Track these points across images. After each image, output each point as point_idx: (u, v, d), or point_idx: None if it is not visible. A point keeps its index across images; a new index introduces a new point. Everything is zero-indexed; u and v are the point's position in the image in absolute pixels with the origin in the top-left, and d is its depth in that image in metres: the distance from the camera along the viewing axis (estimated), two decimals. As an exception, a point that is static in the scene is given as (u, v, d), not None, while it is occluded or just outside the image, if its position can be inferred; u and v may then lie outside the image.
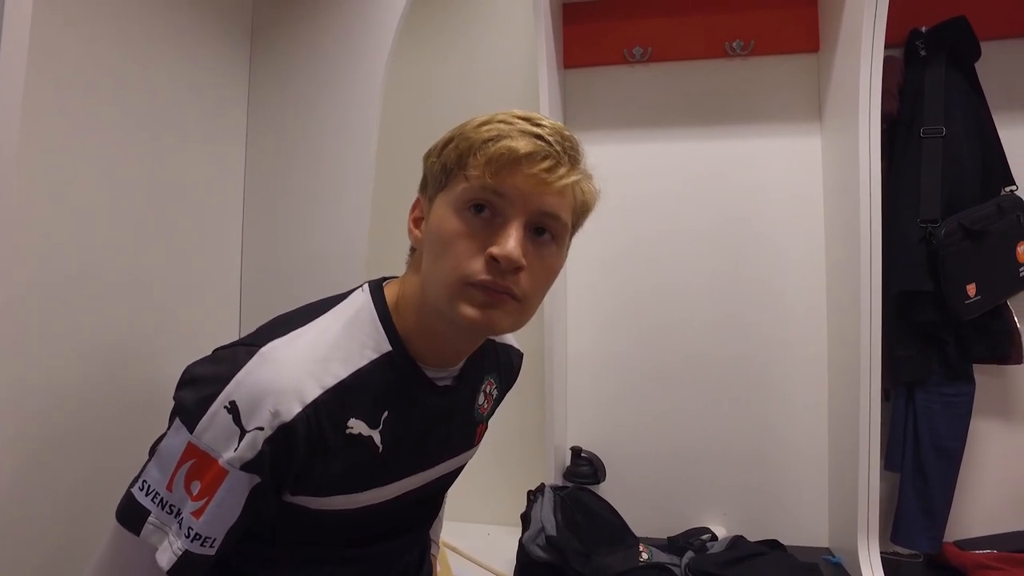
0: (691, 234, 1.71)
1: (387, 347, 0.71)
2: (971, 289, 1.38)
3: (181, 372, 0.67)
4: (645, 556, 1.34)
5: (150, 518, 0.64)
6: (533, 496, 1.42)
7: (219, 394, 0.62)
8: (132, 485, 0.67)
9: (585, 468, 1.63)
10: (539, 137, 0.64)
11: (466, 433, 0.86)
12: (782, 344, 1.65)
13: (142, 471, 0.67)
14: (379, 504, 0.75)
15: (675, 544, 1.49)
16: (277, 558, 0.76)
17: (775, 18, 1.66)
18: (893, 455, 1.49)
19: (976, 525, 1.50)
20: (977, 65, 1.48)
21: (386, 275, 0.80)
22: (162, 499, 0.64)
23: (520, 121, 0.66)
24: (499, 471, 1.73)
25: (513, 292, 0.65)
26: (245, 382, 0.63)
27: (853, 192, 1.39)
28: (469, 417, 0.85)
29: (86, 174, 1.08)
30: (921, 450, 1.45)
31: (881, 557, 1.36)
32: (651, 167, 1.74)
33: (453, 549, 1.54)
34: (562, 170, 0.65)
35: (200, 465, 0.63)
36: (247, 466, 0.62)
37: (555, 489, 1.42)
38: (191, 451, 0.63)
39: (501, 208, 0.65)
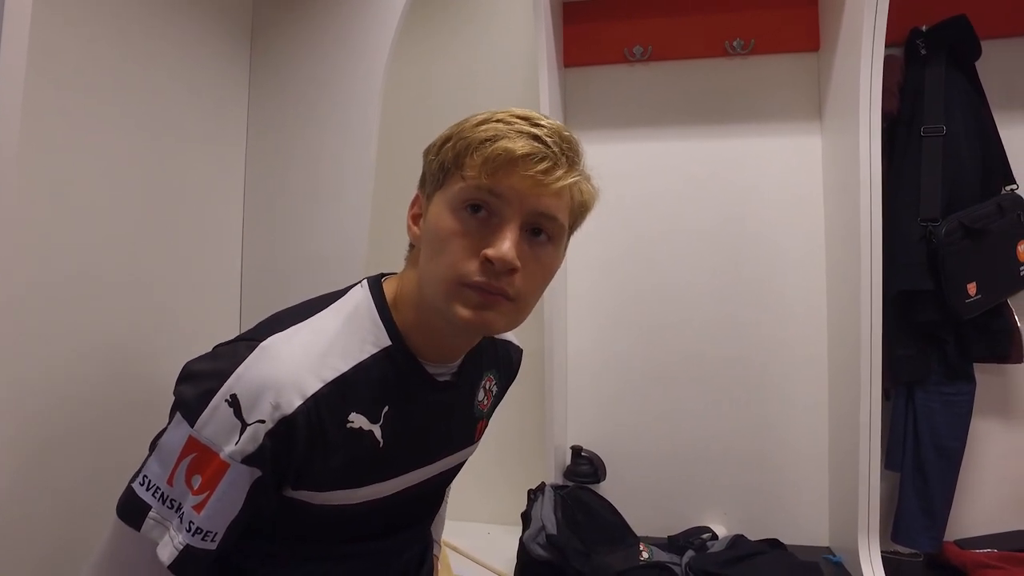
0: (691, 234, 1.71)
1: (387, 342, 0.71)
2: (971, 288, 1.38)
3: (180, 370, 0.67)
4: (645, 555, 1.34)
5: (151, 513, 0.64)
6: (533, 495, 1.42)
7: (220, 388, 0.63)
8: (133, 480, 0.67)
9: (585, 467, 1.63)
10: (537, 138, 0.64)
11: (466, 429, 0.86)
12: (782, 344, 1.65)
13: (142, 466, 0.67)
14: (379, 500, 0.75)
15: (675, 543, 1.49)
16: (277, 555, 0.76)
17: (775, 17, 1.66)
18: (893, 454, 1.49)
19: (976, 524, 1.50)
20: (978, 64, 1.48)
21: (384, 271, 0.80)
22: (163, 494, 0.64)
23: (519, 121, 0.65)
24: (499, 470, 1.73)
25: (507, 293, 0.65)
26: (246, 376, 0.63)
27: (853, 191, 1.39)
28: (469, 413, 0.86)
29: (86, 174, 1.08)
30: (921, 449, 1.45)
31: (882, 556, 1.36)
32: (651, 166, 1.74)
33: (453, 548, 1.54)
34: (559, 171, 0.65)
35: (201, 459, 0.63)
36: (248, 459, 0.62)
37: (556, 488, 1.42)
38: (192, 445, 0.63)
39: (497, 208, 0.65)
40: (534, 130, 0.65)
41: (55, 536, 1.01)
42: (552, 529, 1.31)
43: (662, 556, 1.37)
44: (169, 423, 0.66)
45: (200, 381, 0.64)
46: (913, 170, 1.45)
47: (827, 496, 1.61)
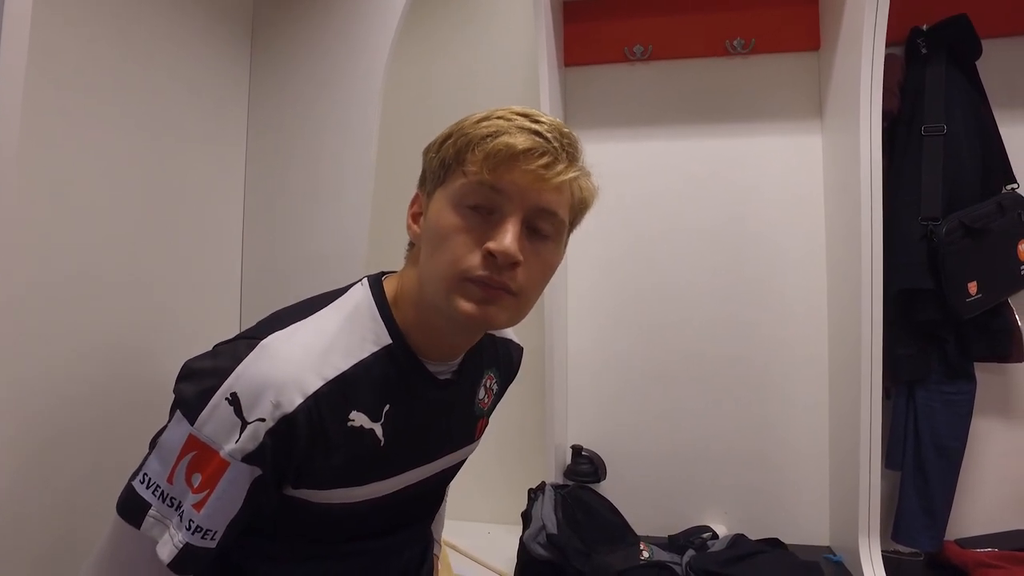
0: (692, 233, 1.71)
1: (387, 340, 0.71)
2: (972, 287, 1.38)
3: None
4: (646, 554, 1.34)
5: (151, 511, 0.64)
6: (534, 494, 1.42)
7: (220, 386, 0.63)
8: (133, 478, 0.67)
9: (586, 466, 1.63)
10: (537, 134, 0.64)
11: (466, 427, 0.86)
12: (782, 343, 1.65)
13: (142, 464, 0.67)
14: (379, 498, 0.75)
15: (676, 543, 1.49)
16: (277, 554, 0.76)
17: (776, 16, 1.66)
18: (894, 454, 1.48)
19: (977, 524, 1.50)
20: (978, 63, 1.48)
21: (384, 270, 0.80)
22: (163, 492, 0.64)
23: (519, 117, 0.66)
24: (500, 469, 1.73)
25: (509, 288, 0.65)
26: (246, 374, 0.63)
27: (854, 190, 1.39)
28: (469, 411, 0.86)
29: (86, 174, 1.08)
30: (922, 449, 1.45)
31: (882, 556, 1.36)
32: (652, 166, 1.74)
33: (454, 547, 1.54)
34: (560, 167, 0.65)
35: (201, 457, 0.63)
36: (248, 458, 0.62)
37: (556, 487, 1.42)
38: (192, 443, 0.63)
39: (498, 204, 0.65)
40: (534, 126, 0.65)
41: (55, 535, 1.01)
42: (552, 528, 1.31)
43: (663, 555, 1.37)
44: (169, 421, 0.66)
45: (200, 379, 0.64)
46: (914, 169, 1.45)
47: (827, 495, 1.61)
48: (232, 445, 0.62)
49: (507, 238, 0.63)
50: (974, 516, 1.50)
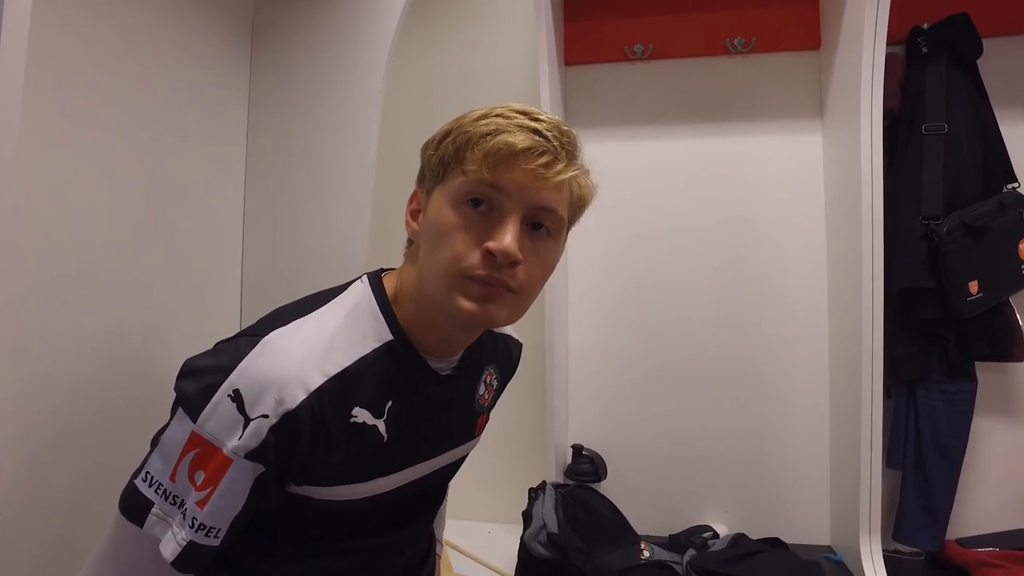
0: (692, 232, 1.71)
1: (388, 336, 0.71)
2: (973, 286, 1.38)
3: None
4: (647, 554, 1.34)
5: (153, 509, 0.64)
6: (534, 494, 1.42)
7: (222, 383, 0.62)
8: (135, 476, 0.66)
9: (586, 466, 1.63)
10: (537, 132, 0.64)
11: (467, 423, 0.86)
12: (782, 342, 1.65)
13: (144, 462, 0.67)
14: (381, 495, 0.75)
15: (676, 542, 1.49)
16: (278, 552, 0.76)
17: (776, 15, 1.66)
18: (895, 453, 1.48)
19: (978, 523, 1.50)
20: (979, 62, 1.48)
21: (384, 267, 0.80)
22: (165, 490, 0.64)
23: (518, 115, 0.66)
24: (500, 469, 1.73)
25: (509, 286, 0.65)
26: (248, 371, 0.63)
27: (854, 189, 1.39)
28: (470, 407, 0.86)
29: (86, 174, 1.08)
30: (923, 448, 1.45)
31: (883, 555, 1.36)
32: (652, 165, 1.74)
33: (454, 547, 1.54)
34: (559, 165, 0.65)
35: (203, 454, 0.63)
36: (251, 455, 0.62)
37: (556, 487, 1.43)
38: (194, 440, 0.63)
39: (498, 202, 0.65)
40: (534, 124, 0.65)
41: (55, 535, 1.01)
42: (553, 528, 1.31)
43: (663, 555, 1.37)
44: (171, 419, 0.66)
45: (202, 377, 0.64)
46: (914, 168, 1.45)
47: (828, 495, 1.61)
48: (235, 442, 0.62)
49: (507, 237, 0.63)
50: (975, 515, 1.50)
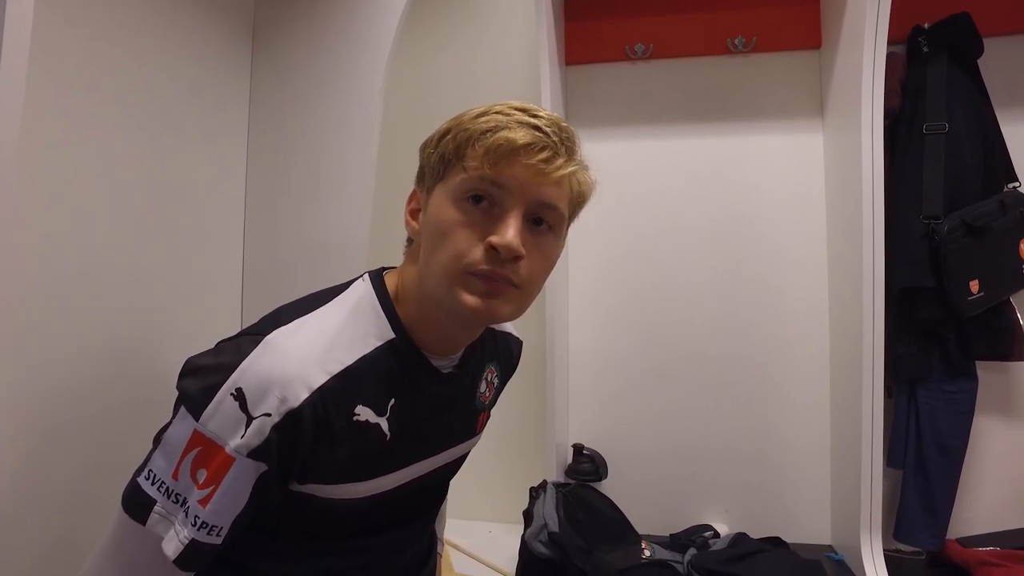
0: (692, 232, 1.71)
1: (390, 334, 0.72)
2: (974, 286, 1.38)
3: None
4: (647, 553, 1.34)
5: (156, 507, 0.64)
6: (535, 493, 1.42)
7: (225, 382, 0.62)
8: (137, 474, 0.66)
9: (587, 465, 1.63)
10: (537, 128, 0.65)
11: (468, 421, 0.86)
12: (783, 342, 1.65)
13: (147, 460, 0.67)
14: (382, 493, 0.75)
15: (677, 541, 1.49)
16: (280, 550, 0.76)
17: (777, 15, 1.66)
18: (895, 452, 1.48)
19: (979, 522, 1.50)
20: (980, 61, 1.48)
21: (384, 266, 0.80)
22: (168, 488, 0.64)
23: (517, 112, 0.66)
24: (501, 468, 1.73)
25: (512, 281, 0.65)
26: (251, 369, 0.63)
27: (855, 189, 1.39)
28: (471, 405, 0.86)
29: (87, 173, 1.08)
30: (923, 447, 1.45)
31: (884, 554, 1.36)
32: (652, 164, 1.74)
33: (455, 547, 1.54)
34: (559, 161, 0.65)
35: (206, 453, 0.63)
36: (254, 453, 0.62)
37: (557, 486, 1.43)
38: (197, 439, 0.63)
39: (499, 198, 0.65)
40: (533, 120, 0.65)
41: (55, 534, 1.01)
42: (554, 527, 1.31)
43: (664, 554, 1.37)
44: (173, 418, 0.66)
45: (204, 375, 0.64)
46: (915, 167, 1.45)
47: (829, 494, 1.61)
48: (237, 440, 0.62)
49: (509, 232, 0.63)
50: (976, 515, 1.50)
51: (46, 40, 0.96)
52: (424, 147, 0.72)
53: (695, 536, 1.49)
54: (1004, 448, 1.51)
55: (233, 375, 0.62)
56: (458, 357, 0.79)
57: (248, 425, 0.62)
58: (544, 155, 0.64)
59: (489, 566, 1.50)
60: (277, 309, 0.73)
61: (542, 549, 1.30)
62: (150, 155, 1.22)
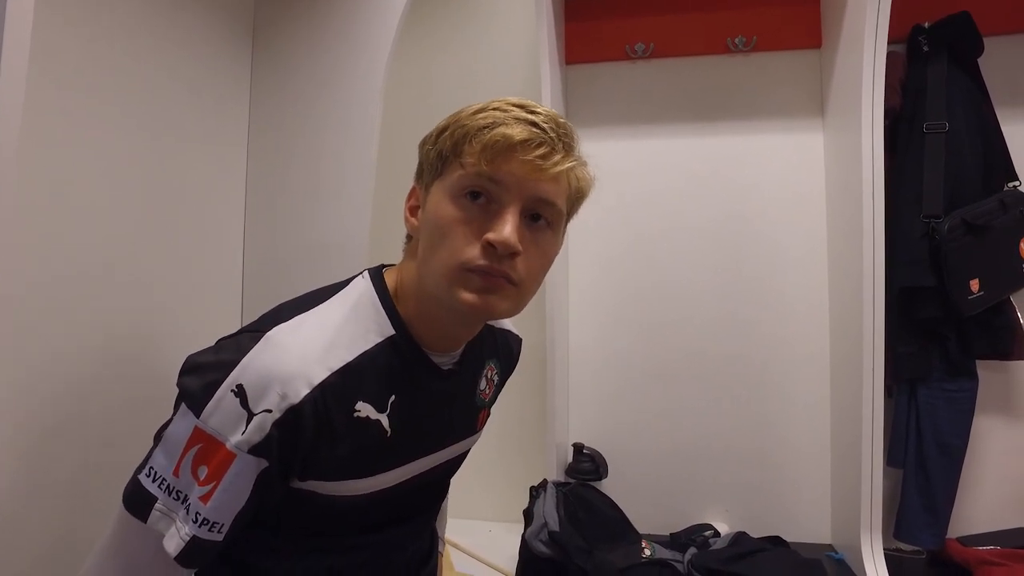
0: (692, 231, 1.71)
1: (390, 331, 0.72)
2: (974, 285, 1.38)
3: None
4: (648, 552, 1.34)
5: (157, 504, 0.64)
6: (536, 492, 1.42)
7: (225, 378, 0.62)
8: (138, 472, 0.66)
9: (587, 464, 1.63)
10: (534, 124, 0.65)
11: (468, 418, 0.86)
12: (783, 341, 1.65)
13: (148, 457, 0.67)
14: (384, 490, 0.75)
15: (678, 540, 1.49)
16: (280, 547, 0.76)
17: (777, 14, 1.66)
18: (896, 451, 1.48)
19: (979, 521, 1.50)
20: (980, 60, 1.48)
21: (384, 263, 0.80)
22: (169, 485, 0.64)
23: (515, 108, 0.66)
24: (501, 467, 1.73)
25: (510, 277, 0.65)
26: (252, 366, 0.63)
27: (855, 188, 1.39)
28: (471, 402, 0.86)
29: (87, 173, 1.08)
30: (924, 446, 1.45)
31: (884, 554, 1.36)
32: (653, 164, 1.74)
33: (456, 546, 1.54)
34: (557, 157, 0.65)
35: (207, 449, 0.63)
36: (255, 449, 0.62)
37: (557, 485, 1.43)
38: (198, 435, 0.63)
39: (497, 195, 0.65)
40: (531, 116, 0.65)
41: (55, 534, 1.01)
42: (554, 526, 1.31)
43: (664, 553, 1.37)
44: (173, 415, 0.66)
45: (205, 372, 0.64)
46: (915, 167, 1.44)
47: (829, 493, 1.61)
48: (238, 437, 0.62)
49: (506, 228, 0.63)
50: (976, 514, 1.50)
51: (46, 40, 0.96)
52: (423, 144, 0.73)
53: (695, 535, 1.49)
54: (1004, 447, 1.51)
55: (234, 372, 0.63)
56: (458, 354, 0.79)
57: (249, 421, 0.62)
58: (541, 151, 0.64)
59: (489, 565, 1.50)
60: (277, 306, 0.73)
61: (542, 548, 1.30)
62: (150, 155, 1.22)
